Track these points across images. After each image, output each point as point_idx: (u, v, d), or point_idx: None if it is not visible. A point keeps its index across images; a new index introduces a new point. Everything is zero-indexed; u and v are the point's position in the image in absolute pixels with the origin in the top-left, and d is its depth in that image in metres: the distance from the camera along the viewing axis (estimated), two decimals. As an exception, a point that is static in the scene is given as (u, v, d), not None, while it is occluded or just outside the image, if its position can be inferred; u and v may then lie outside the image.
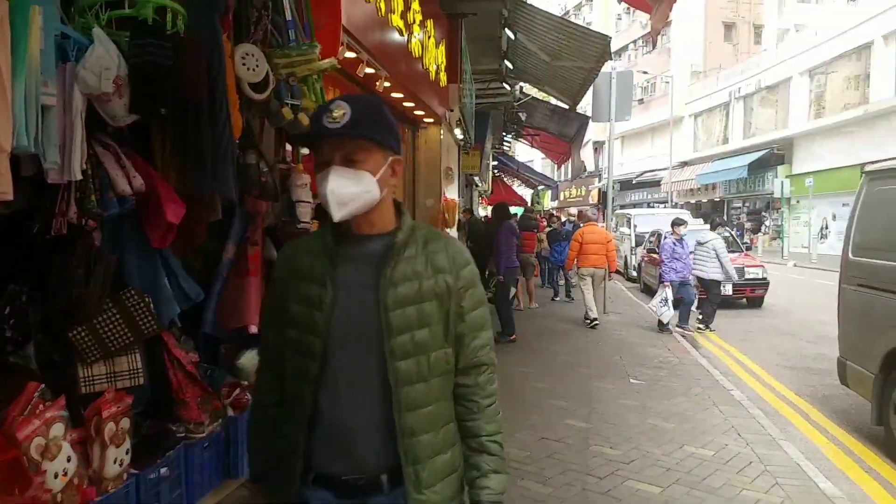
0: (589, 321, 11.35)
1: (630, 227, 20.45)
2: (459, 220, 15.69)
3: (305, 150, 4.57)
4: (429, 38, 9.01)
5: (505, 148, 25.93)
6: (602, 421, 6.24)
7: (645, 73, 41.42)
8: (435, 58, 9.52)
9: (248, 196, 4.00)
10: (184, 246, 3.41)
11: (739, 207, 35.99)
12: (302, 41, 4.07)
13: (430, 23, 9.03)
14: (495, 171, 28.08)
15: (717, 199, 36.74)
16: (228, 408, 3.58)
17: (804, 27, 33.54)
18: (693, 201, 38.16)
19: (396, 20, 7.39)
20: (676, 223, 11.25)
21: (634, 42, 46.72)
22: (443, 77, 10.09)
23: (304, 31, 4.34)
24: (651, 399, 7.01)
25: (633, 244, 19.60)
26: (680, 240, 11.10)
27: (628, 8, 49.55)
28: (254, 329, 4.02)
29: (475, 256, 2.74)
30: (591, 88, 13.54)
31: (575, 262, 12.01)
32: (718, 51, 40.21)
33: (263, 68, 3.64)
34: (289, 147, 4.60)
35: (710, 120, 38.18)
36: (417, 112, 9.86)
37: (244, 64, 3.55)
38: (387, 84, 7.95)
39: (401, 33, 7.68)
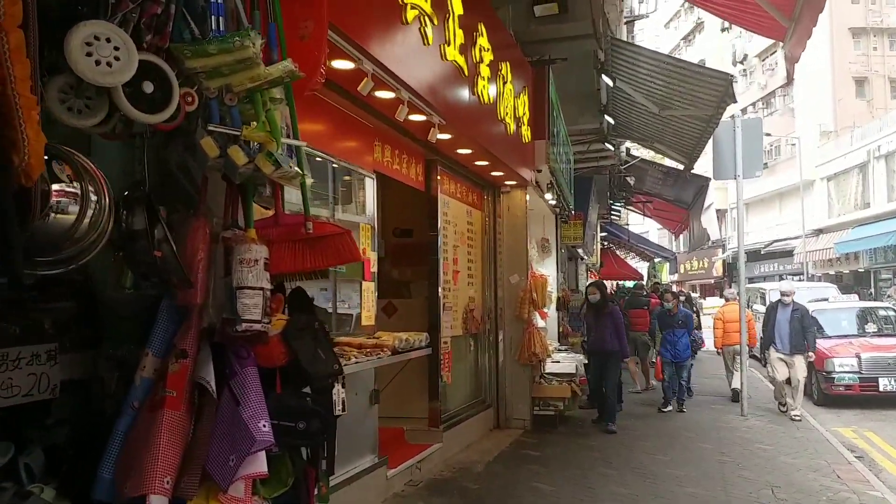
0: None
1: (765, 304, 17.74)
2: (560, 298, 13.82)
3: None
4: (504, 84, 7.46)
5: (614, 217, 23.88)
6: None
7: (768, 135, 38.34)
8: (514, 109, 7.95)
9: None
10: None
11: (890, 279, 31.82)
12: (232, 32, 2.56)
13: (505, 67, 7.50)
14: (604, 242, 25.98)
15: (861, 270, 32.78)
16: None
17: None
18: (832, 272, 34.32)
19: (453, 54, 5.88)
20: None
21: (753, 105, 43.91)
22: (525, 133, 8.49)
23: (272, 41, 2.86)
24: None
25: (769, 323, 16.87)
26: None
27: (744, 70, 47.03)
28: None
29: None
30: (709, 142, 11.55)
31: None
32: (850, 108, 37.00)
33: (128, 65, 2.13)
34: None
35: (845, 182, 34.62)
36: (494, 173, 8.26)
37: (88, 54, 2.05)
38: (444, 136, 6.43)
39: (462, 73, 6.16)
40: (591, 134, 13.68)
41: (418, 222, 7.74)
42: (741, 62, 45.72)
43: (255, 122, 2.68)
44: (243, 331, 2.67)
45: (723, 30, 47.10)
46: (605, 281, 16.03)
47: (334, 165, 5.57)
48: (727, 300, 12.71)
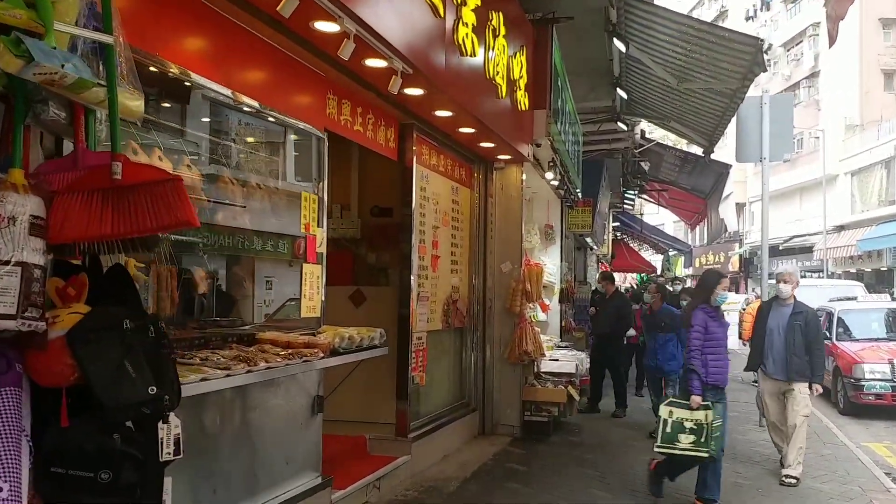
0: None
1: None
2: (563, 289, 12.73)
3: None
4: (495, 37, 6.34)
5: (627, 206, 22.66)
6: None
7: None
8: (508, 70, 6.83)
9: None
10: None
11: (913, 278, 30.47)
12: None
13: (497, 17, 6.37)
14: (616, 233, 24.78)
15: (884, 269, 31.42)
16: None
17: None
18: (853, 270, 32.97)
19: (425, -12, 4.79)
20: None
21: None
22: (522, 99, 7.37)
23: None
24: None
25: (789, 323, 15.70)
26: None
27: (769, 60, 45.37)
28: None
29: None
30: (732, 122, 10.39)
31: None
32: (878, 101, 35.52)
33: None
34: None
35: (869, 178, 33.22)
36: (484, 144, 7.16)
37: None
38: (415, 91, 5.35)
39: (435, 11, 5.06)
40: (603, 112, 12.53)
41: (400, 200, 6.68)
42: (766, 52, 44.17)
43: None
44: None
45: (747, 18, 45.61)
46: (614, 274, 14.84)
47: (270, 119, 4.52)
48: (756, 297, 13.41)
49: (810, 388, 6.65)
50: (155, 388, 1.91)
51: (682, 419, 5.39)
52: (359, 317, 6.78)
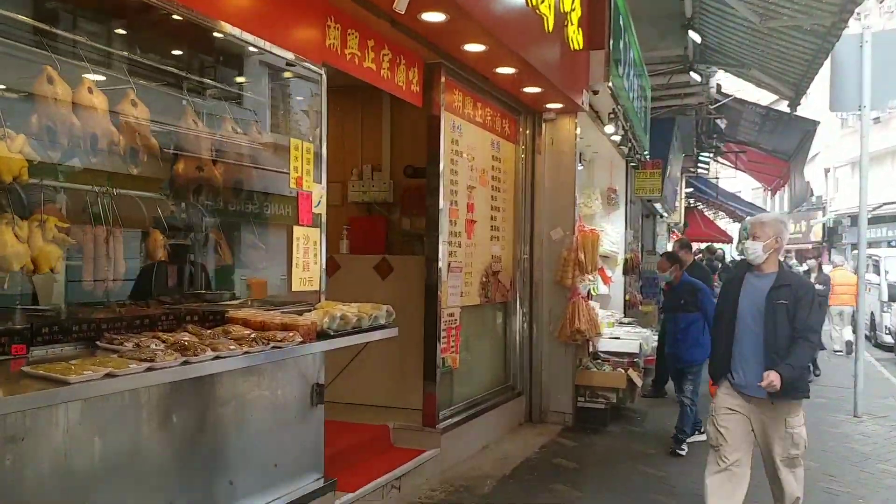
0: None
1: (881, 274, 14.97)
2: (628, 260, 11.60)
3: None
4: (540, -42, 5.32)
5: (701, 171, 21.09)
6: None
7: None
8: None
9: None
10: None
11: None
12: None
13: (542, -66, 5.34)
14: (689, 199, 23.23)
15: None
16: None
17: None
18: (954, 240, 30.38)
19: None
20: None
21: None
22: (575, 36, 6.33)
23: None
24: None
25: (885, 297, 14.17)
26: None
27: (858, 14, 42.05)
28: None
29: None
30: (823, 67, 9.03)
31: None
32: None
33: None
34: None
35: (977, 138, 30.35)
36: (528, 89, 6.18)
37: None
38: (434, 16, 4.42)
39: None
40: (673, 62, 11.27)
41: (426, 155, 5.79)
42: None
43: None
44: None
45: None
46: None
47: (251, 49, 3.67)
48: (835, 265, 14.02)
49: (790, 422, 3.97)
50: None
51: None
52: (385, 290, 5.99)
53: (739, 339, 4.06)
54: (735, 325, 4.07)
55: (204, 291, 4.01)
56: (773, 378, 3.77)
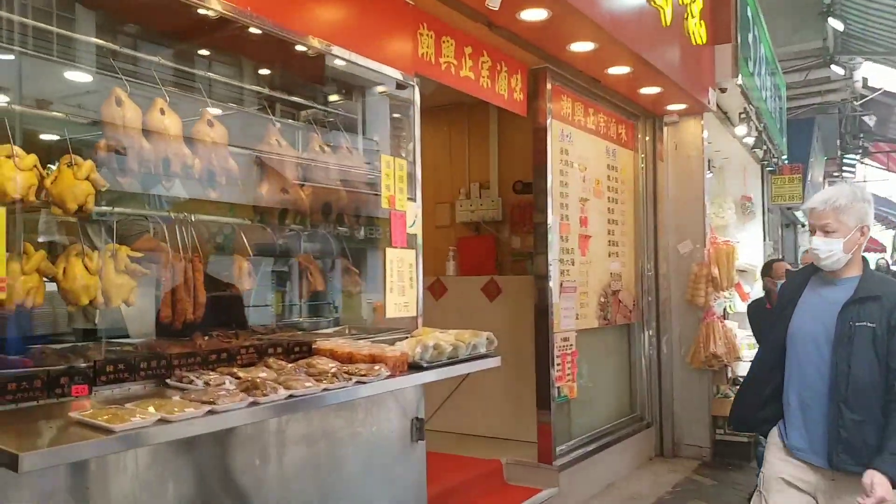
0: None
1: None
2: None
3: None
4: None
5: (846, 174, 19.35)
6: None
7: None
8: (675, -10, 5.29)
9: None
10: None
11: None
12: None
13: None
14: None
15: None
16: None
17: None
18: None
19: None
20: None
21: None
22: (696, 29, 5.78)
23: None
24: None
25: None
26: None
27: None
28: None
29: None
30: None
31: None
32: None
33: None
34: None
35: None
36: (646, 90, 5.67)
37: None
38: (534, 14, 4.04)
39: None
40: (811, 57, 10.32)
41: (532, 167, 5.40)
42: None
43: None
44: None
45: None
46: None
47: (339, 62, 3.44)
48: None
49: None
50: None
51: None
52: (493, 313, 5.66)
53: (793, 378, 2.72)
54: (789, 357, 2.74)
55: (301, 320, 3.83)
56: (877, 489, 2.36)
